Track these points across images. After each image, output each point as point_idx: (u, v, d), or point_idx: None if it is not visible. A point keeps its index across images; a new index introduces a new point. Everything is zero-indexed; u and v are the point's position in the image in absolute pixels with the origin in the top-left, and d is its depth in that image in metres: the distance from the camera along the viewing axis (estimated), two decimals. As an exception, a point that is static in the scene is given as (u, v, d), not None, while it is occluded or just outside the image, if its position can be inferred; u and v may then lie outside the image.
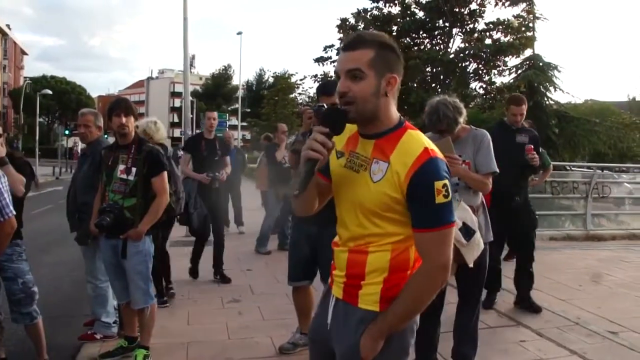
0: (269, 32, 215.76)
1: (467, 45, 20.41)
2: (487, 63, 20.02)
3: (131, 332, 4.58)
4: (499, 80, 21.16)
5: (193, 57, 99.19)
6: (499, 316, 5.59)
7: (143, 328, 4.42)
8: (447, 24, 20.62)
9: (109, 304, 5.00)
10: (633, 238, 10.77)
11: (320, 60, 22.31)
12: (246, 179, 14.25)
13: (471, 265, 3.60)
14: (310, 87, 36.78)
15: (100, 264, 4.73)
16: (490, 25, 20.47)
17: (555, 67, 22.17)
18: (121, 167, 4.23)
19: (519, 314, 5.63)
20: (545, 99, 22.54)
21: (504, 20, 20.35)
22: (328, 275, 4.30)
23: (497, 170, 3.85)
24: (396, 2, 20.87)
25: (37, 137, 40.48)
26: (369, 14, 21.27)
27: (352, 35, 2.00)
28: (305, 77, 40.82)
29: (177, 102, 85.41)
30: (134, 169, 4.21)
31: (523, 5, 20.69)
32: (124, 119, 4.23)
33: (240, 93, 48.75)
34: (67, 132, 41.62)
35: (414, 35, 21.08)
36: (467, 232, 3.57)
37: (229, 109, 58.47)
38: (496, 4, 20.48)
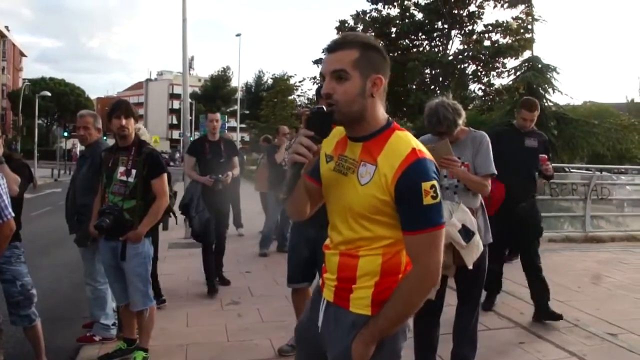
0: (268, 34, 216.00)
1: (465, 47, 20.45)
2: (486, 65, 20.06)
3: (130, 334, 4.58)
4: (497, 82, 21.22)
5: (192, 58, 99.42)
6: (498, 318, 5.58)
7: (142, 330, 4.42)
8: (446, 26, 20.66)
9: (108, 306, 5.00)
10: (632, 240, 10.78)
11: (319, 62, 22.30)
12: (245, 180, 14.25)
13: (470, 267, 3.60)
14: (309, 89, 36.85)
15: (100, 266, 4.73)
16: (489, 27, 20.54)
17: (554, 69, 22.16)
18: (121, 169, 4.23)
19: (518, 316, 5.63)
20: (544, 100, 22.50)
21: (503, 22, 20.40)
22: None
23: (496, 172, 3.85)
24: (395, 4, 20.92)
25: (36, 139, 40.42)
26: (367, 15, 21.31)
27: (335, 37, 1.99)
28: (304, 79, 40.91)
29: (176, 104, 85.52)
30: (134, 171, 4.21)
31: (522, 7, 20.74)
32: (124, 121, 4.24)
33: (239, 95, 48.67)
34: (65, 134, 41.58)
35: (412, 37, 21.12)
36: (467, 234, 3.58)
37: (228, 110, 58.44)
38: (495, 6, 20.56)
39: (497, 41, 20.19)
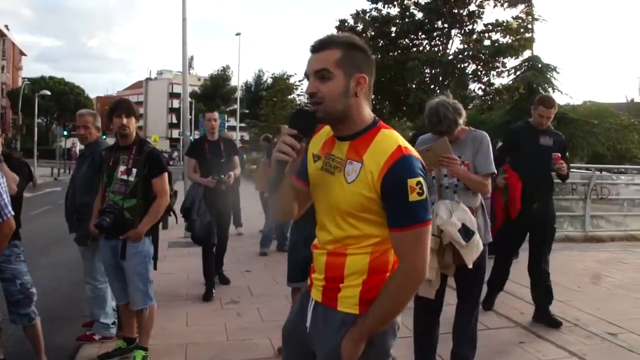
0: (268, 33, 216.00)
1: (466, 46, 20.42)
2: (486, 64, 20.03)
3: (130, 333, 4.58)
4: (497, 82, 21.19)
5: (192, 58, 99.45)
6: (498, 317, 5.58)
7: (142, 329, 4.41)
8: (446, 25, 20.62)
9: (108, 305, 5.00)
10: (632, 239, 10.78)
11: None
12: (245, 180, 14.25)
13: (470, 266, 3.60)
14: (309, 88, 36.78)
15: (100, 265, 4.73)
16: (489, 26, 20.50)
17: (554, 69, 22.16)
18: (122, 168, 4.23)
19: (518, 315, 5.63)
20: (544, 100, 22.55)
21: (503, 21, 20.38)
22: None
23: (496, 172, 3.85)
24: (395, 3, 20.88)
25: (36, 138, 40.37)
26: (367, 15, 21.27)
27: (319, 38, 2.00)
28: (304, 78, 40.76)
29: (176, 103, 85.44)
30: (134, 170, 4.21)
31: (522, 7, 20.71)
32: (125, 120, 4.24)
33: (238, 94, 48.61)
34: (65, 132, 41.59)
35: (412, 36, 21.08)
36: (466, 233, 3.58)
37: (228, 109, 58.43)
38: (495, 5, 20.52)
39: (497, 41, 20.15)
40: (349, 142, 1.97)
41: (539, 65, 21.52)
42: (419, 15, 20.68)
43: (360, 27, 21.40)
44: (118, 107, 4.31)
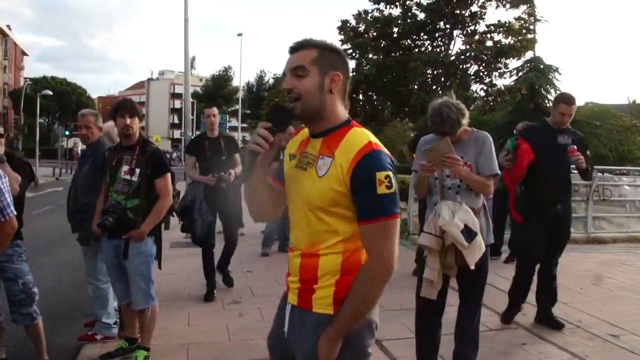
0: (270, 34, 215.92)
1: (468, 47, 20.44)
2: (488, 65, 20.04)
3: (132, 333, 4.58)
4: (499, 83, 21.20)
5: (193, 58, 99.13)
6: (500, 318, 5.56)
7: (144, 329, 4.41)
8: (448, 26, 20.64)
9: (110, 304, 5.00)
10: (634, 241, 10.74)
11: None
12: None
13: (472, 267, 3.59)
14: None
15: (102, 265, 4.73)
16: (491, 27, 20.53)
17: (556, 70, 22.16)
18: (125, 168, 4.24)
19: (520, 316, 5.61)
20: (546, 101, 22.53)
21: (505, 22, 20.40)
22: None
23: (499, 172, 3.85)
24: (397, 3, 20.90)
25: (37, 138, 40.47)
26: (369, 15, 21.28)
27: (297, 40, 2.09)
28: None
29: (177, 104, 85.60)
30: (137, 170, 4.22)
31: (524, 8, 20.72)
32: (128, 120, 4.24)
33: (240, 94, 48.69)
34: (67, 132, 41.61)
35: (414, 37, 21.10)
36: (469, 234, 3.57)
37: (229, 110, 58.52)
38: (497, 6, 20.55)
39: (499, 41, 20.18)
40: (322, 138, 2.04)
41: (541, 66, 21.53)
42: (421, 16, 20.71)
43: (362, 27, 21.43)
44: (122, 107, 4.31)
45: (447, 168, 3.68)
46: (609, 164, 19.79)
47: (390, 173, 1.91)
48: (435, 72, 20.39)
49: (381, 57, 20.40)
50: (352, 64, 21.69)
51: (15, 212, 3.39)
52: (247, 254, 8.87)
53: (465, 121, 3.74)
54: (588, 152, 5.33)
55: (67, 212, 5.07)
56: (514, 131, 8.56)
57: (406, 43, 21.02)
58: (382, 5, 21.13)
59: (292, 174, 2.12)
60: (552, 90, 21.57)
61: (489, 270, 3.93)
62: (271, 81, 35.71)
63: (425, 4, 20.46)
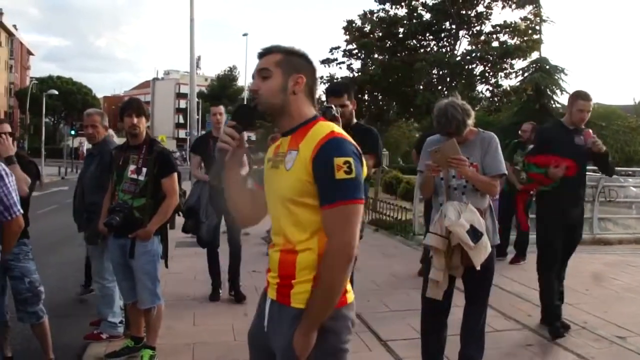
0: (275, 33, 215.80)
1: (473, 47, 20.34)
2: (494, 65, 19.93)
3: (137, 332, 4.59)
4: (505, 83, 21.12)
5: (199, 58, 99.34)
6: (505, 320, 5.56)
7: (150, 328, 4.42)
8: (453, 26, 20.54)
9: (116, 303, 5.01)
10: (640, 242, 10.72)
11: (326, 61, 22.17)
12: (252, 179, 14.25)
13: (478, 267, 3.59)
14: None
15: (108, 264, 4.75)
16: (497, 27, 20.43)
17: (562, 70, 22.12)
18: (132, 167, 4.25)
19: (525, 318, 5.61)
20: (552, 102, 22.48)
21: (511, 22, 20.30)
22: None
23: (506, 173, 3.84)
24: (403, 4, 20.81)
25: (43, 137, 40.54)
26: (375, 15, 21.20)
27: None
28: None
29: (183, 103, 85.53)
30: (144, 169, 4.23)
31: (530, 8, 20.64)
32: (135, 120, 4.26)
33: (245, 94, 48.65)
34: (72, 132, 41.71)
35: (420, 37, 21.01)
36: (475, 234, 3.57)
37: (235, 110, 58.43)
38: (503, 7, 20.44)
39: (505, 42, 20.06)
40: (290, 135, 2.13)
41: (547, 67, 21.48)
42: (427, 16, 20.61)
43: (367, 27, 21.35)
44: (129, 106, 4.33)
45: (453, 169, 3.68)
46: (615, 165, 19.76)
47: (351, 159, 1.96)
48: (440, 72, 20.28)
49: (387, 57, 20.30)
50: (357, 64, 21.75)
51: (21, 211, 3.41)
52: (252, 253, 8.86)
53: (470, 121, 3.74)
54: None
55: (74, 211, 5.08)
56: (519, 131, 8.59)
57: (412, 43, 20.92)
58: (387, 6, 21.05)
59: (268, 175, 2.22)
60: (557, 91, 21.54)
61: (495, 271, 3.92)
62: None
63: (431, 4, 20.38)
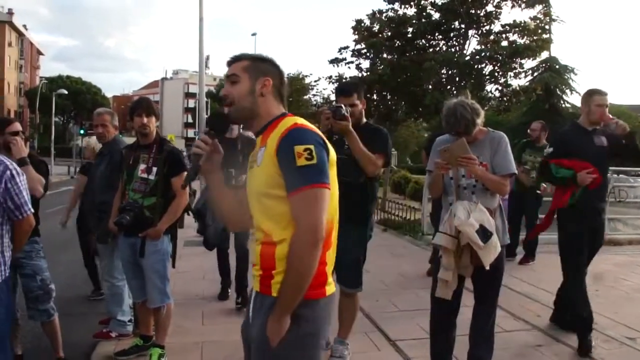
0: (284, 33, 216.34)
1: (483, 47, 20.22)
2: (503, 65, 19.80)
3: (146, 331, 4.61)
4: (515, 83, 21.01)
5: (207, 57, 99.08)
6: (514, 320, 5.54)
7: (159, 327, 4.44)
8: (463, 26, 20.43)
9: (125, 302, 5.03)
10: (650, 243, 10.65)
11: (335, 61, 22.13)
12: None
13: (487, 267, 3.57)
14: (324, 89, 36.64)
15: (118, 263, 4.77)
16: (507, 27, 20.30)
17: (572, 70, 22.07)
18: (142, 166, 4.27)
19: (534, 318, 5.59)
20: (562, 101, 22.40)
21: (521, 22, 20.18)
22: (344, 276, 4.31)
23: (516, 172, 3.83)
24: (412, 3, 20.72)
25: (53, 137, 40.76)
26: (384, 15, 21.12)
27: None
28: (319, 79, 40.66)
29: (191, 103, 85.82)
30: (154, 169, 4.25)
31: (539, 7, 20.51)
32: (145, 119, 4.29)
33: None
34: (82, 131, 41.84)
35: (429, 36, 20.90)
36: (484, 234, 3.56)
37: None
38: (512, 6, 20.31)
39: (514, 41, 19.92)
40: (261, 135, 2.23)
41: (557, 67, 21.42)
42: (436, 15, 20.51)
43: (376, 27, 21.28)
44: (139, 106, 4.35)
45: (463, 168, 3.67)
46: (625, 166, 19.64)
47: (312, 146, 2.02)
48: (449, 72, 20.18)
49: (395, 56, 20.20)
50: (366, 63, 21.68)
51: (32, 210, 3.42)
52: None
53: (480, 121, 3.72)
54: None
55: (84, 210, 5.11)
56: (528, 130, 8.56)
57: (421, 43, 20.81)
58: (396, 5, 20.95)
59: (248, 177, 2.29)
60: (567, 91, 21.46)
61: (504, 272, 3.91)
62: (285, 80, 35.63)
63: (440, 3, 20.26)
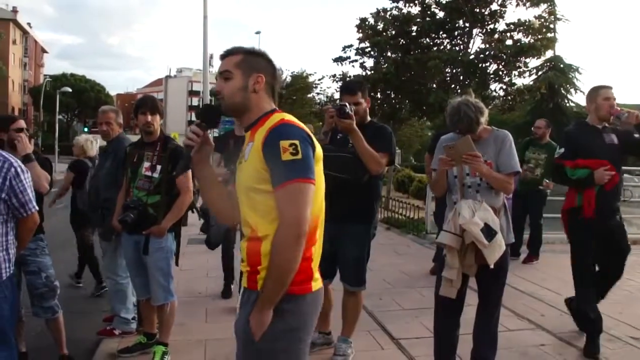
0: (287, 32, 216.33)
1: (487, 45, 20.16)
2: (508, 64, 19.73)
3: (150, 329, 4.61)
4: (519, 82, 20.94)
5: (211, 56, 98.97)
6: (518, 319, 5.54)
7: (162, 324, 4.44)
8: (467, 25, 20.35)
9: (129, 300, 5.04)
10: (654, 242, 10.60)
11: (339, 60, 22.10)
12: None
13: (492, 266, 3.57)
14: (328, 87, 36.59)
15: (121, 261, 4.77)
16: (511, 25, 20.23)
17: (576, 69, 21.97)
18: (146, 164, 4.28)
19: (538, 317, 5.58)
20: (566, 101, 22.32)
21: (525, 21, 20.11)
22: (347, 274, 4.31)
23: (520, 170, 3.82)
24: (416, 2, 20.65)
25: (57, 135, 40.84)
26: (388, 13, 21.06)
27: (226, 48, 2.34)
28: (323, 77, 40.59)
29: (195, 101, 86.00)
30: (158, 167, 4.25)
31: (544, 6, 20.45)
32: (149, 117, 4.30)
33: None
34: (86, 129, 42.02)
35: (433, 35, 20.84)
36: (489, 232, 3.55)
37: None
38: (517, 5, 20.22)
39: (519, 40, 19.84)
40: (250, 130, 2.25)
41: (561, 66, 21.34)
42: (440, 14, 20.44)
43: (380, 25, 21.22)
44: (143, 104, 4.36)
45: (468, 165, 3.66)
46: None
47: (297, 141, 2.04)
48: (454, 70, 20.12)
49: (399, 55, 20.13)
50: (370, 62, 21.65)
51: (37, 208, 3.43)
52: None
53: (484, 119, 3.72)
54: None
55: (89, 207, 5.11)
56: (533, 128, 8.53)
57: (425, 41, 20.74)
58: (400, 4, 20.88)
59: (237, 171, 2.30)
60: (572, 90, 21.37)
61: (508, 271, 3.90)
62: (289, 79, 35.51)
63: (444, 2, 20.16)
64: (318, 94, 37.27)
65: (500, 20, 20.45)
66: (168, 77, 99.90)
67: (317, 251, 2.20)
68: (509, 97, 21.06)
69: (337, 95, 21.97)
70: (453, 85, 19.93)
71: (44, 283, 4.11)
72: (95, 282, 6.83)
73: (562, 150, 4.83)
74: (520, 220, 8.01)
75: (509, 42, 20.20)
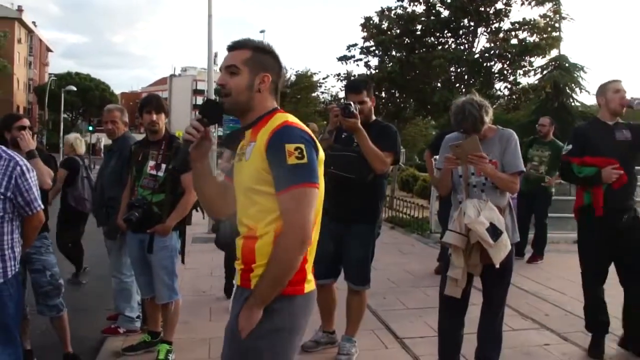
0: (292, 31, 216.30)
1: (492, 45, 20.14)
2: (513, 63, 19.72)
3: (154, 327, 4.62)
4: (524, 81, 20.91)
5: (216, 54, 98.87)
6: (522, 319, 5.53)
7: (167, 323, 4.45)
8: (472, 24, 20.33)
9: (133, 298, 5.04)
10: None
11: (343, 59, 22.10)
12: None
13: (497, 265, 3.56)
14: (332, 86, 36.57)
15: (126, 259, 4.78)
16: (516, 24, 20.20)
17: (582, 68, 21.96)
18: (151, 163, 4.28)
19: (542, 317, 5.57)
20: (571, 100, 22.29)
21: (530, 19, 20.08)
22: (352, 273, 4.31)
23: (525, 170, 3.80)
24: (421, 0, 20.66)
25: (62, 133, 40.91)
26: (393, 12, 21.06)
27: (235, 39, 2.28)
28: (327, 76, 40.54)
29: (199, 100, 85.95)
30: (163, 165, 4.25)
31: (549, 5, 20.42)
32: (154, 116, 4.30)
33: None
34: (90, 128, 42.14)
35: (438, 34, 20.82)
36: (494, 232, 3.54)
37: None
38: (522, 4, 20.19)
39: (524, 39, 19.82)
40: (251, 129, 2.22)
41: (566, 65, 21.33)
42: (445, 13, 20.42)
43: (385, 24, 21.21)
44: (148, 103, 4.37)
45: (473, 165, 3.65)
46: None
47: (302, 145, 2.02)
48: (458, 69, 20.10)
49: (404, 54, 20.11)
50: (374, 61, 21.64)
51: (42, 206, 3.43)
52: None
53: (488, 119, 3.71)
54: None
55: (93, 206, 5.12)
56: (537, 126, 8.51)
57: (429, 40, 20.72)
58: (405, 2, 20.87)
59: (235, 169, 2.29)
60: (577, 89, 21.35)
61: (513, 270, 3.89)
62: (293, 78, 35.48)
63: (449, 1, 20.12)
64: (322, 92, 37.32)
65: (505, 19, 20.43)
66: (172, 75, 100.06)
67: (311, 252, 2.19)
68: (514, 97, 21.04)
69: (341, 94, 22.04)
70: (458, 85, 19.92)
71: (48, 281, 4.12)
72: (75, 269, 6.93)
73: (570, 147, 4.72)
74: (525, 220, 7.99)
75: (514, 41, 20.18)
